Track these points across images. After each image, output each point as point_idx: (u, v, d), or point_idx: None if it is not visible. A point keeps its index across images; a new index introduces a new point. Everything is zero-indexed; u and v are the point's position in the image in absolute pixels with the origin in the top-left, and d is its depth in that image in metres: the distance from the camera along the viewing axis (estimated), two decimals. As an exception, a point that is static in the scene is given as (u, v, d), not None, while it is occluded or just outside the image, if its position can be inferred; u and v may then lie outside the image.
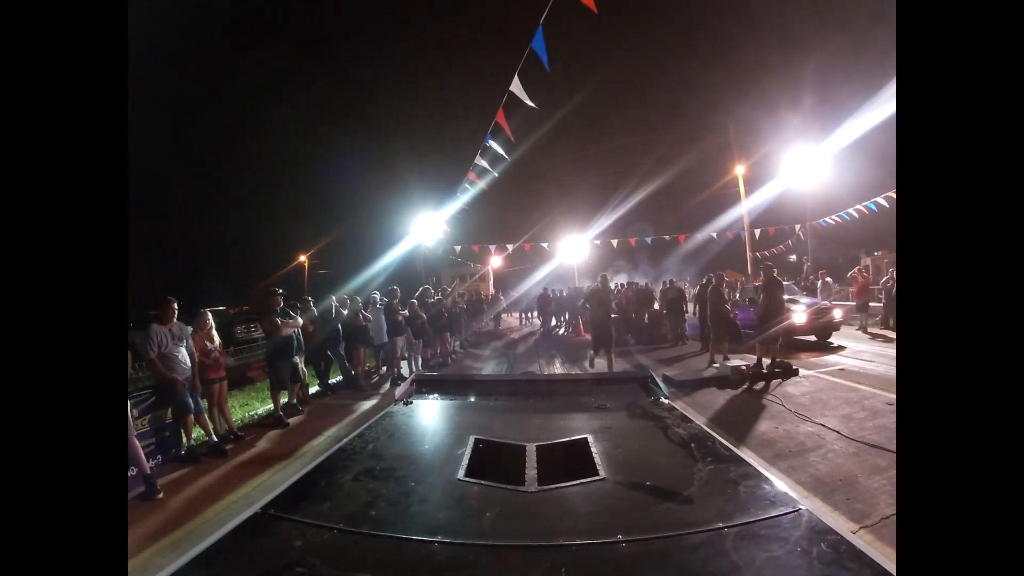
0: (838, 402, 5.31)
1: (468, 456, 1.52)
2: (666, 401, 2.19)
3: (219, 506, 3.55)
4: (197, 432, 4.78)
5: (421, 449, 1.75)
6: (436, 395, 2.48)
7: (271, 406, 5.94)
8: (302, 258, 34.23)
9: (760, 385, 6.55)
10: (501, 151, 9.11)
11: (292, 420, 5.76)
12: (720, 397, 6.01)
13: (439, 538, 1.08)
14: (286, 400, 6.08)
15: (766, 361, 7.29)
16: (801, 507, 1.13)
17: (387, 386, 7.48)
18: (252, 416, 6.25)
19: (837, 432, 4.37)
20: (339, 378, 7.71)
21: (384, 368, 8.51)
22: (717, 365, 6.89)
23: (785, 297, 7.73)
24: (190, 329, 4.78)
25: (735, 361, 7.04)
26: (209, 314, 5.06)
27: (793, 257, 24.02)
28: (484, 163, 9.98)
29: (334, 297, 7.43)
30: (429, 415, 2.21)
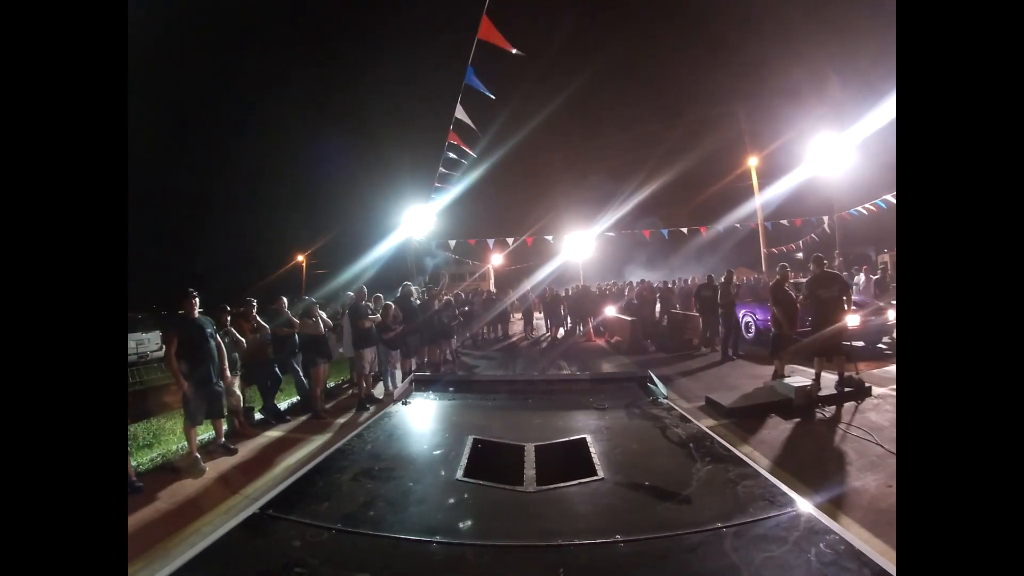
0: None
1: (467, 456, 1.49)
2: (664, 401, 2.16)
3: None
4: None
5: (419, 449, 1.73)
6: (435, 395, 2.44)
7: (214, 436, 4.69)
8: (300, 257, 33.05)
9: (831, 410, 5.09)
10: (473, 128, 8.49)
11: (215, 463, 4.34)
12: (787, 429, 4.54)
13: (437, 538, 1.07)
14: (214, 435, 4.67)
15: (830, 377, 5.81)
16: (800, 507, 1.12)
17: (352, 413, 5.99)
18: (180, 450, 4.85)
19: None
20: (296, 399, 6.26)
21: (372, 380, 7.08)
22: (793, 382, 5.34)
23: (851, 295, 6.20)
24: None
25: (797, 379, 5.53)
26: None
27: (800, 256, 22.36)
28: (468, 141, 8.98)
29: (284, 299, 5.96)
30: (427, 415, 2.18)
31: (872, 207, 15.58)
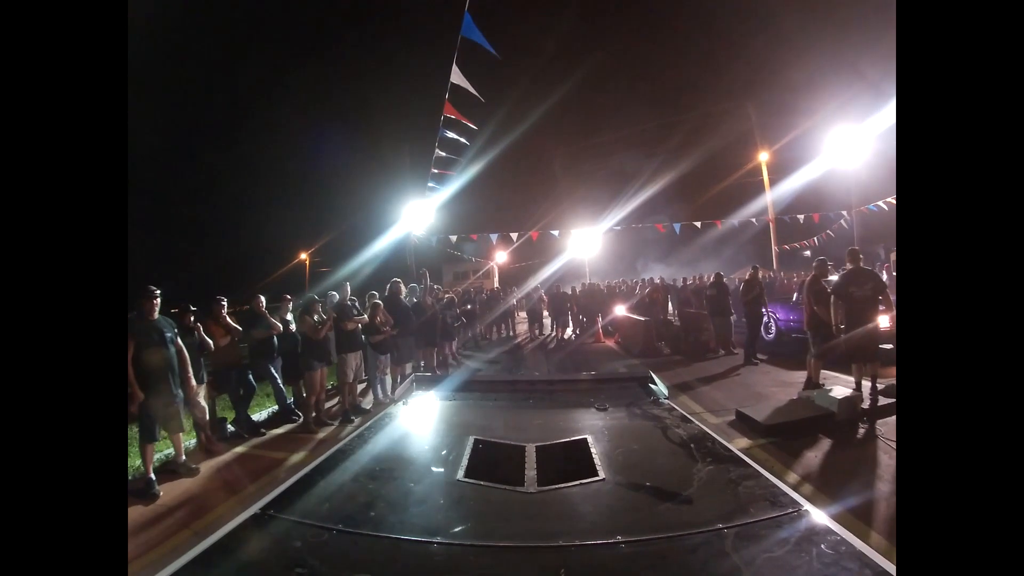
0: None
1: (467, 456, 1.49)
2: (665, 401, 2.14)
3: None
4: None
5: (420, 449, 1.72)
6: (435, 395, 2.42)
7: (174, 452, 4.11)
8: (303, 255, 32.56)
9: (875, 424, 4.47)
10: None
11: (170, 486, 3.79)
12: (837, 452, 3.88)
13: (438, 539, 1.06)
14: (173, 452, 4.11)
15: (866, 385, 5.17)
16: (801, 507, 1.11)
17: (335, 425, 5.38)
18: (139, 469, 4.29)
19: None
20: (274, 408, 5.68)
21: (364, 387, 6.46)
22: (834, 392, 4.66)
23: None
24: None
25: (837, 388, 4.87)
26: None
27: (807, 254, 21.51)
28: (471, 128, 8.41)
29: (262, 298, 5.37)
30: (428, 415, 2.16)
31: (893, 201, 14.81)
